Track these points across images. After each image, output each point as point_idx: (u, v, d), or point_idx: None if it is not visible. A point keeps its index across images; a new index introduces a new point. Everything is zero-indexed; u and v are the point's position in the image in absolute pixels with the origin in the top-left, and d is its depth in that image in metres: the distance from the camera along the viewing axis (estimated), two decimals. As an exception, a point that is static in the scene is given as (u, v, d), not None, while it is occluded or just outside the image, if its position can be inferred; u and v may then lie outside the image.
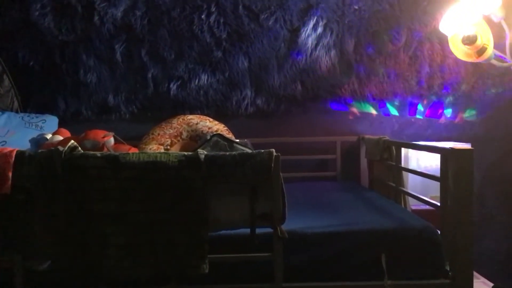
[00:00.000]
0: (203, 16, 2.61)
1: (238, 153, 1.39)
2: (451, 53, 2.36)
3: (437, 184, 1.68)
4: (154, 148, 2.29)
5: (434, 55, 2.68)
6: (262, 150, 1.38)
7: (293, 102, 2.73)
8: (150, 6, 2.60)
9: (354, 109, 2.77)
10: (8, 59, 2.56)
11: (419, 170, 2.14)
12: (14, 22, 2.58)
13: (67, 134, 2.07)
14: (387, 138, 2.40)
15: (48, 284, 1.44)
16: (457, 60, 2.55)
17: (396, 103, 2.76)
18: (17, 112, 2.54)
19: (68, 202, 1.34)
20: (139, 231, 1.35)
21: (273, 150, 1.38)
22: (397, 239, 1.54)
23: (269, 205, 1.39)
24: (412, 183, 2.40)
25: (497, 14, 2.17)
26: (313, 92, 2.72)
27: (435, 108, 2.76)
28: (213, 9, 2.60)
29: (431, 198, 1.85)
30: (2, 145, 2.21)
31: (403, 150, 2.28)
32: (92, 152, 1.41)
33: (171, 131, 2.38)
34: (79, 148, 1.43)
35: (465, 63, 2.58)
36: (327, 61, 2.68)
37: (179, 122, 2.42)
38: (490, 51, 2.19)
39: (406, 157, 2.50)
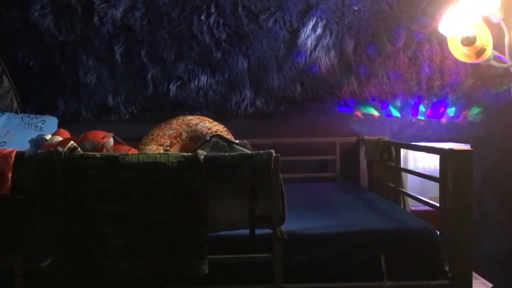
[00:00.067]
0: (202, 17, 2.61)
1: (237, 154, 1.39)
2: (451, 54, 2.37)
3: (436, 185, 1.68)
4: (153, 149, 2.29)
5: (433, 56, 2.69)
6: (262, 151, 1.38)
7: (292, 103, 2.73)
8: (149, 7, 2.60)
9: (355, 110, 2.77)
10: (8, 60, 2.56)
11: (417, 171, 2.15)
12: (14, 23, 2.58)
13: (67, 134, 2.07)
14: (386, 139, 2.41)
15: (48, 284, 1.44)
16: (456, 61, 2.55)
17: (398, 104, 2.76)
18: (16, 112, 2.54)
19: (67, 203, 1.34)
20: (139, 232, 1.35)
21: (273, 151, 1.38)
22: (396, 240, 1.54)
23: (268, 206, 1.39)
24: (411, 183, 2.41)
25: (496, 15, 2.18)
26: (312, 93, 2.72)
27: (436, 108, 2.76)
28: (212, 10, 2.60)
29: (430, 199, 1.86)
30: (2, 145, 2.21)
31: (402, 151, 2.29)
32: (91, 153, 1.41)
33: (171, 131, 2.38)
34: (79, 149, 1.43)
35: (464, 64, 2.58)
36: (326, 62, 2.68)
37: (178, 123, 2.42)
38: (489, 52, 2.19)
39: (405, 158, 2.50)
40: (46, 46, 2.61)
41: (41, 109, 2.61)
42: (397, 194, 2.22)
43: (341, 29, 2.65)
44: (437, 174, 1.69)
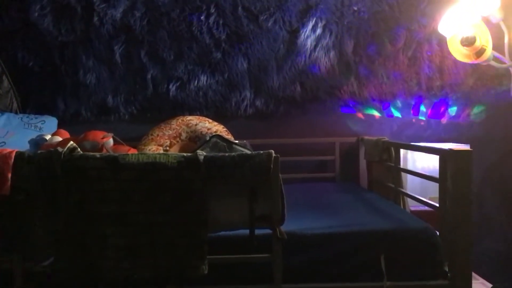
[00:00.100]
0: (202, 17, 2.61)
1: (237, 154, 1.39)
2: (450, 54, 2.37)
3: (435, 185, 1.68)
4: (153, 149, 2.29)
5: (433, 56, 2.69)
6: (261, 151, 1.38)
7: (292, 103, 2.73)
8: (149, 7, 2.60)
9: (356, 111, 2.77)
10: (8, 60, 2.56)
11: (416, 171, 2.15)
12: (14, 23, 2.58)
13: (66, 135, 2.07)
14: (386, 139, 2.40)
15: (48, 284, 1.44)
16: (456, 61, 2.55)
17: (398, 104, 2.76)
18: (16, 113, 2.54)
19: (67, 203, 1.34)
20: (139, 232, 1.35)
21: (272, 151, 1.38)
22: (396, 240, 1.54)
23: (268, 206, 1.39)
24: (411, 184, 2.41)
25: (495, 15, 2.18)
26: (312, 93, 2.72)
27: (437, 108, 2.76)
28: (212, 10, 2.60)
29: (430, 199, 1.86)
30: (2, 146, 2.21)
31: (401, 151, 2.28)
32: (91, 153, 1.41)
33: (170, 132, 2.38)
34: (78, 149, 1.43)
35: (464, 64, 2.58)
36: (326, 62, 2.68)
37: (178, 123, 2.42)
38: (489, 52, 2.19)
39: (405, 158, 2.50)
40: (46, 46, 2.61)
41: (41, 109, 2.61)
42: (397, 194, 2.22)
43: (340, 29, 2.65)
44: (436, 175, 1.69)
